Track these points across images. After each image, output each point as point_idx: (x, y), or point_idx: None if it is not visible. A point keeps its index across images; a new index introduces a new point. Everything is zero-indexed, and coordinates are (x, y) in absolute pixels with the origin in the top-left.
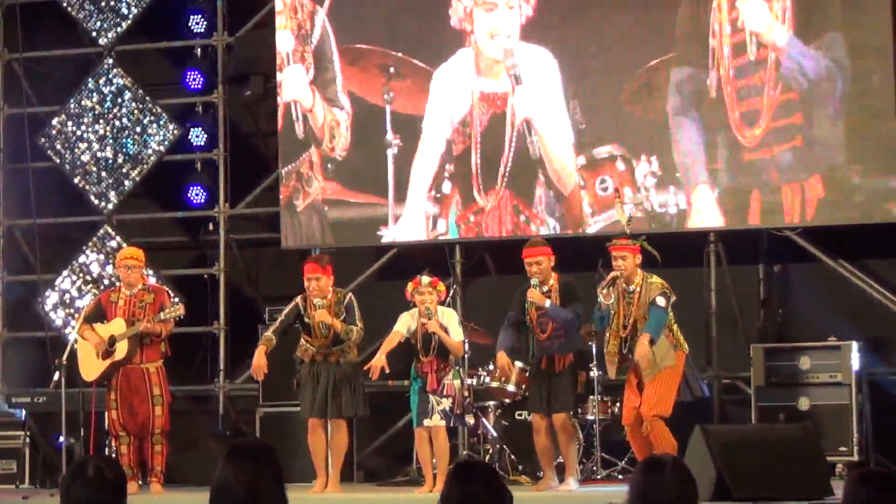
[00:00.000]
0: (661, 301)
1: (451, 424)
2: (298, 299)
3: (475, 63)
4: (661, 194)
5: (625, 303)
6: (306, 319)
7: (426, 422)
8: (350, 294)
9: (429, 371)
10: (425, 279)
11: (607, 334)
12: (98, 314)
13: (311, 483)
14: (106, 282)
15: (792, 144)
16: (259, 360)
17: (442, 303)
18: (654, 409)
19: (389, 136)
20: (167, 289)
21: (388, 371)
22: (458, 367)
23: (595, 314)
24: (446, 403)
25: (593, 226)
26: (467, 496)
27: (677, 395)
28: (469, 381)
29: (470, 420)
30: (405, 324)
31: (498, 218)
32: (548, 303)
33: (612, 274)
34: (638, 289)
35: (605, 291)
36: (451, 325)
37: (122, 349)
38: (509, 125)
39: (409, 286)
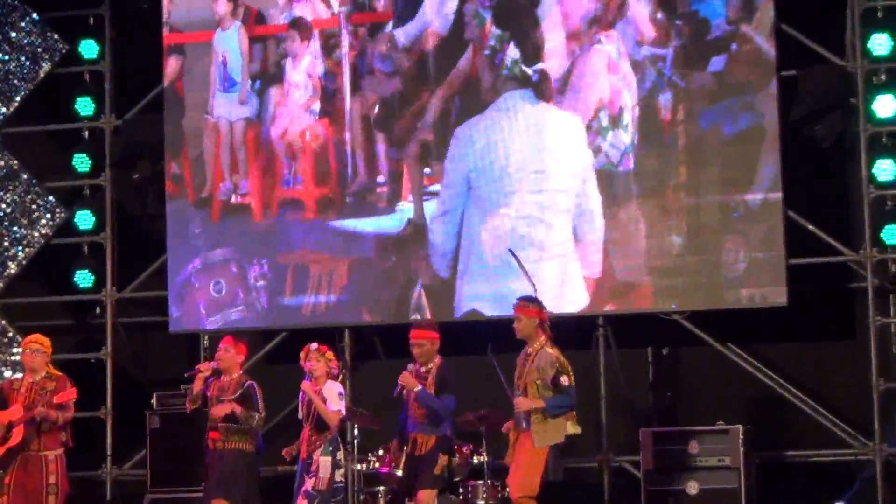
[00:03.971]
0: (564, 380)
1: None
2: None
3: None
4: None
5: (521, 362)
6: (207, 392)
7: None
8: (252, 381)
9: (303, 440)
10: (313, 346)
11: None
12: None
13: None
14: None
15: None
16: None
17: (335, 378)
18: (519, 490)
19: None
20: (69, 379)
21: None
22: (331, 444)
23: None
24: (310, 484)
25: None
26: None
27: (545, 472)
28: (358, 465)
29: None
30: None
31: None
32: (418, 387)
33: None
34: (534, 353)
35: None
36: (330, 396)
37: (17, 435)
38: None
39: (301, 354)
